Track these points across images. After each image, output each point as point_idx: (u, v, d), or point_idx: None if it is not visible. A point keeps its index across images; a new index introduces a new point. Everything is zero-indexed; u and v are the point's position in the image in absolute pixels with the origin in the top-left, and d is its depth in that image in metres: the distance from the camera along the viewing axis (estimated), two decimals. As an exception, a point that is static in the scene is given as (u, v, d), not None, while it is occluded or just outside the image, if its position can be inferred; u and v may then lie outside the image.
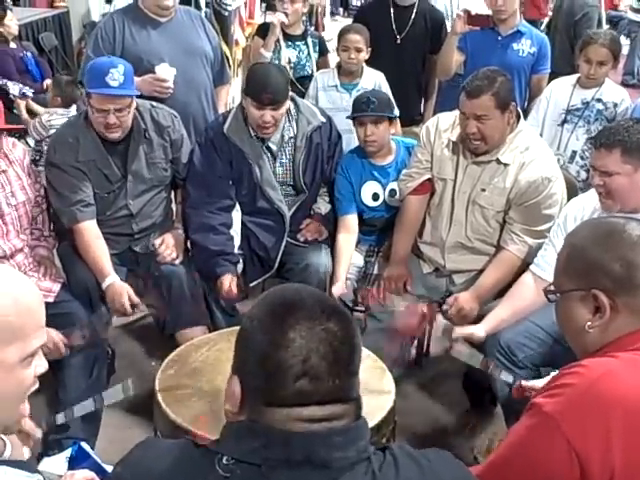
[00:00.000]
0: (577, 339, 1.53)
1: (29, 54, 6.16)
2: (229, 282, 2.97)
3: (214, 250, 3.04)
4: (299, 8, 3.93)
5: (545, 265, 2.55)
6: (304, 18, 4.26)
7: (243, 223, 3.19)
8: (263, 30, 4.03)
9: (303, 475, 1.09)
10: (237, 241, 3.15)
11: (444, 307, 2.83)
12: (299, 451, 1.10)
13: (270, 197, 3.15)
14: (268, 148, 3.13)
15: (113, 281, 2.82)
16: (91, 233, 2.91)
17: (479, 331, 2.56)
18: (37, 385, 1.31)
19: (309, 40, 4.04)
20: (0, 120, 2.68)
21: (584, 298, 1.47)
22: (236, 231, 3.17)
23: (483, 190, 2.88)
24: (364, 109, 3.09)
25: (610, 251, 1.46)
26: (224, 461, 1.11)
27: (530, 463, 1.37)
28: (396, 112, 3.83)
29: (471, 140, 2.79)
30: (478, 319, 2.68)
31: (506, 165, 2.81)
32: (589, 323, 1.47)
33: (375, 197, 3.25)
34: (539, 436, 1.36)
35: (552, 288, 1.59)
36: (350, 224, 3.24)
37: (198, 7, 6.43)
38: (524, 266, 2.78)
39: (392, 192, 3.23)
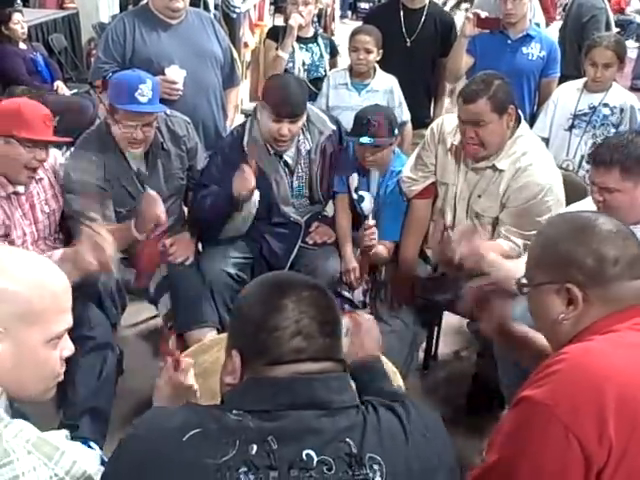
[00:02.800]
0: (550, 330, 1.57)
1: (39, 55, 6.18)
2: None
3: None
4: (311, 10, 3.95)
5: None
6: (314, 20, 4.27)
7: (255, 227, 3.17)
8: (274, 33, 4.05)
9: (307, 415, 1.23)
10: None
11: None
12: (303, 394, 1.24)
13: (285, 213, 3.15)
14: (285, 163, 3.11)
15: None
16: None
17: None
18: (64, 367, 1.39)
19: (320, 41, 4.07)
20: (49, 132, 2.64)
21: (557, 291, 1.51)
22: None
23: (479, 197, 2.87)
24: (362, 133, 3.01)
25: (583, 245, 1.49)
26: (233, 412, 1.23)
27: (531, 456, 1.36)
28: (406, 117, 3.86)
29: (470, 145, 2.78)
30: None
31: (501, 171, 2.79)
32: (562, 315, 1.51)
33: (356, 190, 3.23)
34: (535, 427, 1.36)
35: (524, 281, 1.62)
36: (344, 202, 3.25)
37: (207, 9, 6.46)
38: None
39: (361, 198, 3.20)
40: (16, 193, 2.66)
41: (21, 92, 4.78)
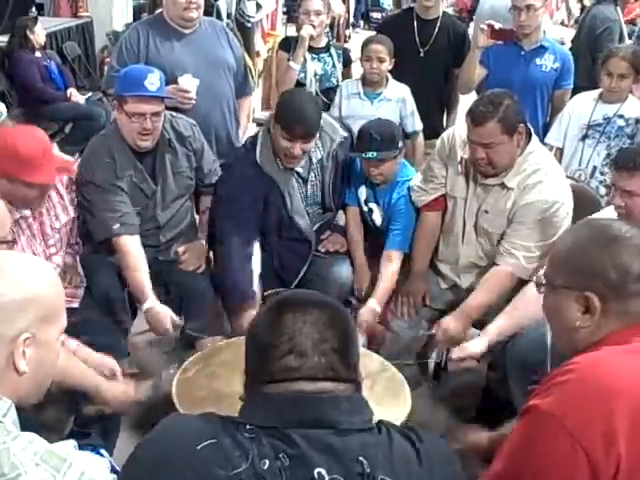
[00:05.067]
0: (565, 335, 1.56)
1: (53, 63, 6.23)
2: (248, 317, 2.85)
3: (232, 286, 3.02)
4: (323, 20, 3.93)
5: None
6: (327, 30, 4.26)
7: (267, 242, 3.16)
8: (286, 44, 4.04)
9: (318, 434, 1.22)
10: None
11: (432, 331, 2.83)
12: (310, 413, 1.23)
13: (300, 227, 3.13)
14: (298, 174, 3.11)
15: (153, 305, 2.81)
16: (133, 251, 2.89)
17: (477, 348, 2.61)
18: None
19: (333, 51, 4.04)
20: (51, 167, 2.53)
21: (576, 298, 1.50)
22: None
23: (486, 212, 2.86)
24: (366, 148, 3.01)
25: (610, 257, 1.48)
26: (247, 427, 1.23)
27: (536, 466, 1.36)
28: (419, 126, 3.86)
29: (480, 165, 2.76)
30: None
31: (510, 189, 2.78)
32: (578, 322, 1.50)
33: (365, 202, 3.26)
34: (542, 437, 1.35)
35: (543, 280, 1.60)
36: (354, 214, 3.28)
37: (219, 18, 6.48)
38: (515, 281, 2.77)
39: (370, 210, 3.24)
40: (23, 217, 2.61)
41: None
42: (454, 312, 2.82)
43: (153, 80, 2.82)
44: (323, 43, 4.03)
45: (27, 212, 2.62)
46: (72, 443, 1.37)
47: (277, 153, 3.00)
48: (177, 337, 3.22)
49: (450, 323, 2.77)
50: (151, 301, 2.82)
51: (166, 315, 2.80)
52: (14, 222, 2.53)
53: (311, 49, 3.92)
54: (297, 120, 2.87)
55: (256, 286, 3.04)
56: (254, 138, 3.12)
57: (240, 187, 3.02)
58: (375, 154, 3.00)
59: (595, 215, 2.69)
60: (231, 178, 3.08)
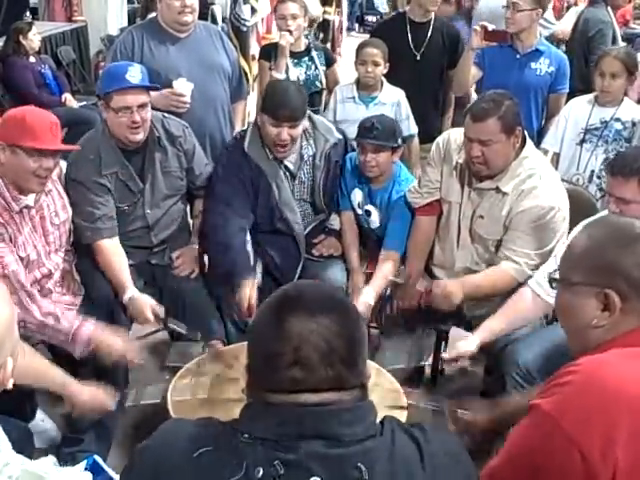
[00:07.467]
0: (579, 333, 1.54)
1: (47, 68, 6.21)
2: (248, 289, 2.87)
3: (231, 269, 2.98)
4: (300, 23, 3.90)
5: (546, 284, 2.50)
6: (306, 32, 4.23)
7: (259, 244, 3.17)
8: (266, 53, 4.02)
9: (316, 448, 1.18)
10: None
11: (433, 288, 2.82)
12: (310, 427, 1.19)
13: (288, 219, 3.14)
14: (286, 168, 3.12)
15: (133, 294, 2.81)
16: (112, 250, 2.91)
17: (470, 347, 2.58)
18: None
19: (314, 54, 4.00)
20: (55, 140, 2.59)
21: (596, 295, 1.48)
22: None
23: (481, 217, 2.86)
24: (366, 135, 3.06)
25: (633, 256, 1.46)
26: (245, 436, 1.20)
27: (533, 464, 1.36)
28: (414, 130, 3.86)
29: (474, 164, 2.76)
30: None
31: (505, 194, 2.78)
32: (596, 320, 1.47)
33: (360, 205, 3.27)
34: (540, 436, 1.35)
35: (559, 277, 1.59)
36: (349, 218, 3.30)
37: (214, 22, 6.48)
38: (515, 282, 2.77)
39: (368, 212, 3.25)
40: (27, 207, 2.64)
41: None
42: (456, 279, 2.84)
43: (134, 73, 2.83)
44: (303, 46, 4.00)
45: (29, 202, 2.63)
46: (52, 460, 1.36)
47: (267, 143, 3.04)
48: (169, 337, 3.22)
49: (453, 285, 2.78)
50: (131, 291, 2.82)
51: (146, 303, 2.79)
52: (18, 212, 2.58)
53: (291, 54, 3.89)
54: (281, 104, 2.93)
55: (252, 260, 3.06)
56: (244, 131, 3.18)
57: (230, 173, 3.07)
58: (375, 140, 3.04)
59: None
60: (220, 166, 3.12)
